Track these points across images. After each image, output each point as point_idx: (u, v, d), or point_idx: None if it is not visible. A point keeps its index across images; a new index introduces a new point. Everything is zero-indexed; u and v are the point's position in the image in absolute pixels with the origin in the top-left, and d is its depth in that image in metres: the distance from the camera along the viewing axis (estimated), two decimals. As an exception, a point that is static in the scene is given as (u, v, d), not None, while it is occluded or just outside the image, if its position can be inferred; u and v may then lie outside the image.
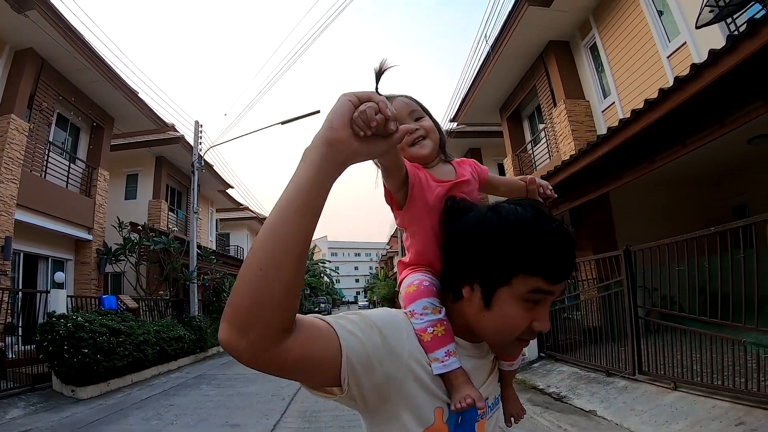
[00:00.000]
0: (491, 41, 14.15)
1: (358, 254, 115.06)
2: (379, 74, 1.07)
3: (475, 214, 1.12)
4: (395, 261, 41.04)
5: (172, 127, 19.96)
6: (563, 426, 6.10)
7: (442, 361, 1.08)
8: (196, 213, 19.01)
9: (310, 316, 0.96)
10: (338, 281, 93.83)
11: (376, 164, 1.24)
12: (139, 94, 16.43)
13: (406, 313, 1.16)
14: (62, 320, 9.79)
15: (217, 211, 30.22)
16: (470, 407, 1.07)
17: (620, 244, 10.15)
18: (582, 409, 6.59)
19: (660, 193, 11.21)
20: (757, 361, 5.03)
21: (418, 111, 1.36)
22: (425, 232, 1.28)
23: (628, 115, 7.27)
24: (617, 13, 11.32)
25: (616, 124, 7.51)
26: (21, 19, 11.34)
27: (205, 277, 20.02)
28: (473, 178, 1.41)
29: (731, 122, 6.21)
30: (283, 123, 19.14)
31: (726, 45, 5.37)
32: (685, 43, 9.17)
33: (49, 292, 11.04)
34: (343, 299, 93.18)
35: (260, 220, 36.25)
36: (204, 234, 25.15)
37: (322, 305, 46.62)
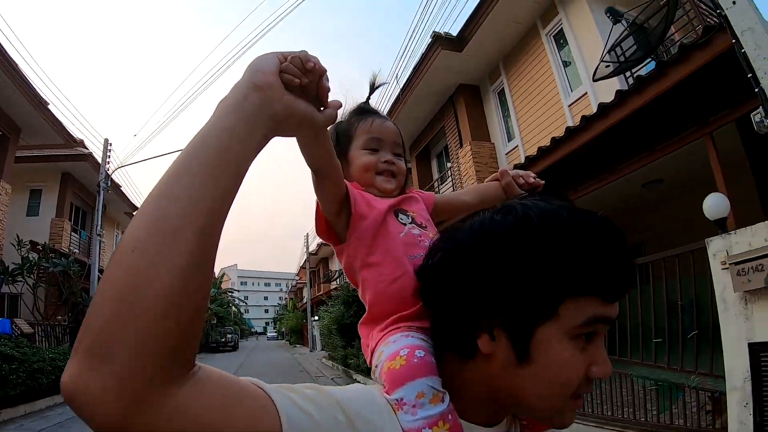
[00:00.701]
0: (403, 81, 14.51)
1: (268, 284, 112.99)
2: (373, 87, 1.06)
3: (474, 223, 0.77)
4: (305, 292, 40.18)
5: (81, 143, 19.02)
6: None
7: None
8: (99, 236, 18.15)
9: (232, 375, 0.61)
10: (247, 311, 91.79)
11: (312, 170, 0.91)
12: (49, 107, 15.60)
13: (390, 402, 0.76)
14: (-49, 344, 9.18)
15: (123, 233, 28.78)
16: None
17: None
18: None
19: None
20: (644, 393, 5.33)
21: (401, 147, 1.16)
22: (384, 252, 0.97)
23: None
24: (525, 61, 11.90)
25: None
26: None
27: (106, 303, 18.92)
28: (420, 197, 1.17)
29: (621, 169, 6.67)
30: (193, 148, 18.55)
31: (614, 99, 5.79)
32: (586, 93, 9.73)
33: (-65, 315, 10.32)
34: (252, 329, 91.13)
35: (167, 246, 35.16)
36: (107, 257, 23.77)
37: (229, 335, 43.42)
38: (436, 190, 16.17)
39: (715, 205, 4.61)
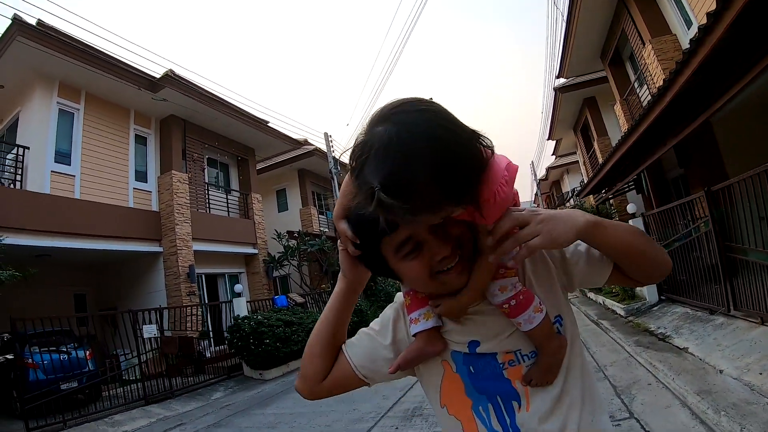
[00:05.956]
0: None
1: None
2: None
3: None
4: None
5: (306, 142, 21.16)
6: (654, 363, 6.05)
7: (418, 321, 1.17)
8: (340, 214, 19.84)
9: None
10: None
11: None
12: (269, 124, 17.79)
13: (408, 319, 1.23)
14: (246, 320, 11.64)
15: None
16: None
17: (732, 176, 9.16)
18: (677, 347, 6.43)
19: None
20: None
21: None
22: None
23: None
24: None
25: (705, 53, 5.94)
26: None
27: (361, 266, 20.75)
28: None
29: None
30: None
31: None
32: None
33: (231, 302, 13.03)
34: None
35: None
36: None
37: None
38: (637, 94, 14.59)
39: None
